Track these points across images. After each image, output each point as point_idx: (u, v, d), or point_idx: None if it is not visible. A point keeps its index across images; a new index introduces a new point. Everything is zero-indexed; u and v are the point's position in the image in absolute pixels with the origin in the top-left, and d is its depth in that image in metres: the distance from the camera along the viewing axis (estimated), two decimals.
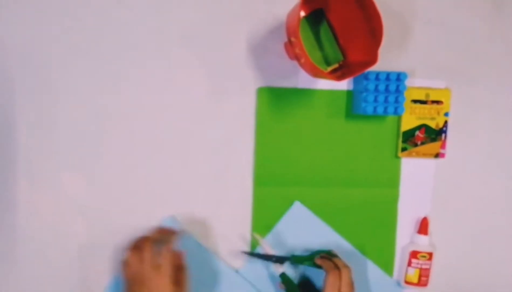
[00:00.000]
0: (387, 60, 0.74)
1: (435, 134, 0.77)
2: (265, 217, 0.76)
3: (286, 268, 0.76)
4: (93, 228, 0.73)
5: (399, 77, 0.73)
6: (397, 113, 0.73)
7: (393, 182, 0.79)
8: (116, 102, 0.73)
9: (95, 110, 0.72)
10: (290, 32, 0.67)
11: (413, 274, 0.78)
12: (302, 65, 0.68)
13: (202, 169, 0.75)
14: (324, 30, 0.74)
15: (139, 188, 0.74)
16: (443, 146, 0.78)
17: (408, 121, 0.77)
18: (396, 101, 0.73)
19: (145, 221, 0.74)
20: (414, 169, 0.79)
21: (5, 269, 0.73)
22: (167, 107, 0.73)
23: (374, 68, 0.67)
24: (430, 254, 0.78)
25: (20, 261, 0.73)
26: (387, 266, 0.79)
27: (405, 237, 0.80)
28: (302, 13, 0.72)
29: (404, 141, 0.77)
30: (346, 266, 0.71)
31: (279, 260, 0.75)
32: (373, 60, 0.66)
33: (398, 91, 0.73)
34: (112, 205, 0.73)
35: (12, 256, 0.73)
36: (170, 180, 0.74)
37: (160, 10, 0.72)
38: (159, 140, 0.74)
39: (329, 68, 0.74)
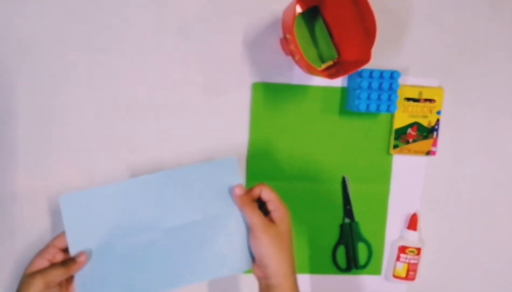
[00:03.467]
0: (381, 58, 0.74)
1: (427, 132, 0.79)
2: None
3: None
4: None
5: (393, 75, 0.74)
6: (390, 111, 0.74)
7: (385, 178, 0.80)
8: (112, 96, 0.73)
9: (92, 103, 0.73)
10: (286, 29, 0.68)
11: (401, 268, 0.80)
12: (296, 62, 0.69)
13: (197, 162, 0.76)
14: (319, 28, 0.75)
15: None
16: (434, 144, 0.79)
17: (401, 119, 0.78)
18: (389, 99, 0.74)
19: None
20: (405, 166, 0.80)
21: (4, 258, 0.74)
22: (163, 101, 0.74)
23: (368, 66, 0.67)
24: (419, 250, 0.80)
25: (19, 251, 0.74)
26: (376, 260, 0.81)
27: (394, 232, 0.81)
28: (299, 10, 0.73)
29: (396, 138, 0.78)
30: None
31: None
32: (366, 59, 0.67)
33: (391, 89, 0.74)
34: None
35: (11, 246, 0.74)
36: None
37: (156, 5, 0.72)
38: (155, 133, 0.75)
39: (324, 65, 0.75)
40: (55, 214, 0.74)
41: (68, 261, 0.61)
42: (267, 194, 0.65)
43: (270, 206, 0.65)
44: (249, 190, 0.66)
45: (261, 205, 0.65)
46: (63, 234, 0.63)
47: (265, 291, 0.63)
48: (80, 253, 0.62)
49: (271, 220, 0.64)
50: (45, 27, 0.71)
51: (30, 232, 0.74)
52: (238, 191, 0.65)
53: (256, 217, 0.63)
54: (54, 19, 0.71)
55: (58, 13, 0.71)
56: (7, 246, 0.74)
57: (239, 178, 0.67)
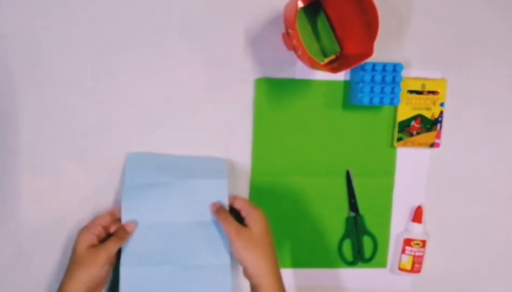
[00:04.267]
0: (383, 51, 0.74)
1: (431, 124, 0.78)
2: (262, 207, 0.77)
3: None
4: (94, 215, 0.74)
5: (395, 68, 0.74)
6: (393, 104, 0.74)
7: (389, 171, 0.80)
8: (115, 94, 0.73)
9: (95, 101, 0.73)
10: (288, 24, 0.68)
11: (406, 261, 0.80)
12: (299, 56, 0.69)
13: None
14: (321, 22, 0.75)
15: None
16: (438, 136, 0.79)
17: (404, 112, 0.78)
18: (392, 92, 0.74)
19: None
20: (409, 159, 0.80)
21: (9, 256, 0.74)
22: (166, 98, 0.74)
23: (371, 59, 0.67)
24: (424, 242, 0.80)
25: (24, 248, 0.75)
26: (381, 253, 0.81)
27: (399, 225, 0.82)
28: (300, 4, 0.73)
29: (400, 131, 0.78)
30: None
31: None
32: (369, 52, 0.67)
33: (394, 82, 0.74)
34: (113, 193, 0.75)
35: (15, 244, 0.74)
36: None
37: (158, 2, 0.72)
38: (159, 131, 0.75)
39: (326, 60, 0.75)
40: (59, 214, 0.75)
41: (119, 230, 0.69)
42: (237, 203, 0.71)
43: (243, 213, 0.70)
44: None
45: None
46: (104, 214, 0.71)
47: (252, 291, 0.68)
48: (129, 223, 0.69)
49: (245, 225, 0.69)
50: (48, 27, 0.71)
51: (35, 231, 0.74)
52: (214, 207, 0.71)
53: (228, 223, 0.68)
54: (57, 20, 0.71)
55: (61, 13, 0.71)
56: (12, 245, 0.74)
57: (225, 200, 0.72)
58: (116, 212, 0.71)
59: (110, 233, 0.70)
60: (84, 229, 0.69)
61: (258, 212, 0.69)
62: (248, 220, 0.69)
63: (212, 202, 0.71)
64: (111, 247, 0.67)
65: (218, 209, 0.71)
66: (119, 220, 0.71)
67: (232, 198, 0.72)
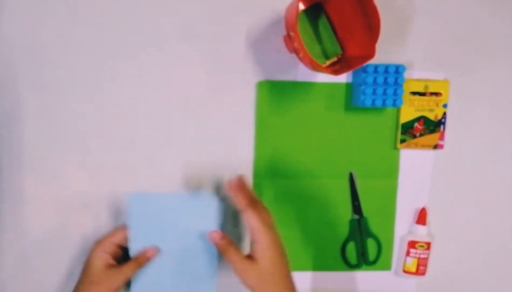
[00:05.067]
0: (385, 52, 0.74)
1: (434, 126, 0.78)
2: None
3: None
4: (97, 220, 0.75)
5: (398, 70, 0.74)
6: (396, 105, 0.74)
7: (392, 173, 0.80)
8: (117, 97, 0.74)
9: (97, 105, 0.73)
10: (289, 26, 0.68)
11: (411, 263, 0.80)
12: (301, 59, 0.69)
13: (203, 162, 0.76)
14: (323, 24, 0.74)
15: (141, 181, 0.75)
16: (441, 137, 0.79)
17: (407, 113, 0.77)
18: (395, 94, 0.74)
19: None
20: (413, 160, 0.79)
21: (12, 260, 0.75)
22: (168, 101, 0.74)
23: (373, 61, 0.67)
24: (428, 244, 0.79)
25: (27, 252, 0.75)
26: (385, 255, 0.81)
27: (403, 227, 0.81)
28: (302, 7, 0.73)
29: (403, 133, 0.78)
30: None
31: None
32: (370, 54, 0.66)
33: (397, 84, 0.74)
34: (116, 197, 0.75)
35: (18, 248, 0.75)
36: (170, 173, 0.76)
37: (159, 6, 0.73)
38: (160, 133, 0.75)
39: (328, 62, 0.75)
40: (63, 219, 0.75)
41: (140, 256, 0.69)
42: (249, 220, 0.64)
43: (252, 237, 0.64)
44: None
45: None
46: (117, 231, 0.70)
47: None
48: (151, 249, 0.69)
49: (253, 257, 0.63)
50: (50, 31, 0.71)
51: (38, 237, 0.75)
52: (215, 237, 0.67)
53: (234, 262, 0.64)
54: (57, 24, 0.72)
55: (63, 16, 0.71)
56: (16, 249, 0.75)
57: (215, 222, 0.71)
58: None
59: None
60: (99, 247, 0.68)
61: (268, 238, 0.62)
62: (256, 249, 0.63)
63: (210, 230, 0.69)
64: (129, 272, 0.67)
65: (220, 242, 0.67)
66: None
67: (245, 211, 0.65)
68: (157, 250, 0.69)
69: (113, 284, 0.66)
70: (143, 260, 0.69)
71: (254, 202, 0.65)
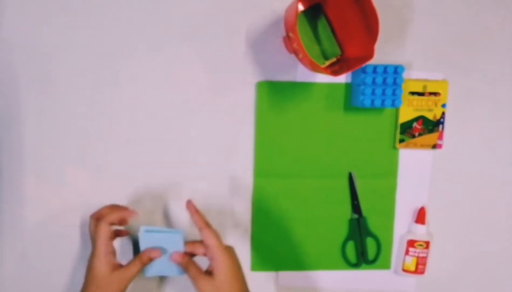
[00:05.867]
0: (384, 53, 0.74)
1: (433, 125, 0.78)
2: (265, 209, 0.78)
3: None
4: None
5: (397, 70, 0.74)
6: (395, 105, 0.74)
7: (391, 173, 0.80)
8: (118, 98, 0.74)
9: (98, 105, 0.74)
10: (288, 27, 0.68)
11: (410, 262, 0.80)
12: (300, 59, 0.70)
13: (203, 162, 0.76)
14: (322, 25, 0.75)
15: (141, 181, 0.76)
16: (440, 137, 0.79)
17: (406, 113, 0.78)
18: (394, 94, 0.74)
19: (148, 213, 0.76)
20: (412, 160, 0.80)
21: (13, 260, 0.75)
22: (168, 102, 0.75)
23: (372, 61, 0.67)
24: (427, 243, 0.80)
25: (27, 252, 0.75)
26: (385, 254, 0.81)
27: (403, 226, 0.82)
28: (301, 8, 0.73)
29: (402, 132, 0.78)
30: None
31: None
32: (369, 55, 0.67)
33: (396, 84, 0.74)
34: (116, 197, 0.75)
35: (20, 248, 0.75)
36: (171, 173, 0.76)
37: (159, 6, 0.73)
38: (161, 134, 0.75)
39: (327, 63, 0.75)
40: (64, 219, 0.75)
41: (143, 255, 0.69)
42: (207, 238, 0.68)
43: (208, 254, 0.68)
44: (192, 242, 0.71)
45: None
46: (106, 228, 0.68)
47: None
48: (155, 250, 0.70)
49: (211, 273, 0.67)
50: (49, 33, 0.72)
51: (39, 237, 0.75)
52: (176, 257, 0.69)
53: (194, 278, 0.67)
54: (58, 25, 0.72)
55: (63, 17, 0.72)
56: (17, 250, 0.75)
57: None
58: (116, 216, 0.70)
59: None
60: (99, 253, 0.67)
61: (223, 256, 0.67)
62: (212, 266, 0.67)
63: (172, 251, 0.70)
64: (133, 271, 0.68)
65: (181, 260, 0.69)
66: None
67: (191, 244, 0.70)
68: (161, 252, 0.70)
69: (121, 285, 0.66)
70: (146, 260, 0.69)
71: (208, 223, 0.70)
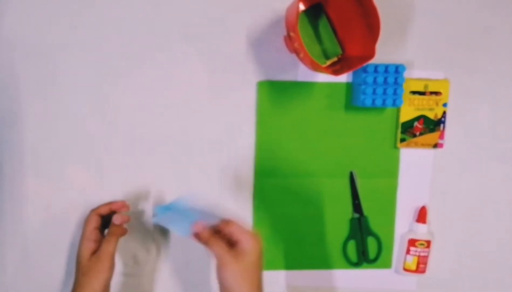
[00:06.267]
0: (385, 52, 0.74)
1: (434, 125, 0.78)
2: (266, 209, 0.78)
3: None
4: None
5: (398, 69, 0.74)
6: (396, 105, 0.74)
7: (392, 172, 0.80)
8: (119, 97, 0.74)
9: (99, 105, 0.74)
10: (289, 27, 0.68)
11: (411, 261, 0.80)
12: (301, 59, 0.70)
13: (204, 161, 0.76)
14: (323, 24, 0.75)
15: (142, 180, 0.76)
16: (441, 136, 0.79)
17: (407, 113, 0.78)
18: (395, 93, 0.74)
19: (150, 212, 0.76)
20: (413, 159, 0.80)
21: (15, 260, 0.75)
22: (169, 101, 0.75)
23: (373, 60, 0.67)
24: (428, 242, 0.80)
25: (27, 252, 0.75)
26: (386, 253, 0.81)
27: (404, 225, 0.82)
28: (302, 7, 0.73)
29: (403, 132, 0.78)
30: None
31: None
32: (370, 55, 0.67)
33: (397, 83, 0.74)
34: (117, 196, 0.75)
35: (21, 247, 0.75)
36: (172, 172, 0.76)
37: (160, 4, 0.73)
38: (161, 133, 0.75)
39: (328, 62, 0.75)
40: (65, 218, 0.75)
41: (111, 227, 0.70)
42: (232, 227, 0.64)
43: (235, 236, 0.63)
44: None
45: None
46: (92, 216, 0.71)
47: None
48: (117, 216, 0.70)
49: (238, 252, 0.62)
50: (51, 32, 0.72)
51: (40, 235, 0.75)
52: (197, 229, 0.65)
53: (218, 251, 0.62)
54: (60, 24, 0.72)
55: (64, 18, 0.72)
56: (17, 250, 0.75)
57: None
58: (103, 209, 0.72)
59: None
60: (83, 239, 0.69)
61: (255, 239, 0.63)
62: (242, 246, 0.62)
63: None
64: (109, 247, 0.67)
65: (203, 233, 0.64)
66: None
67: (224, 222, 0.66)
68: (127, 205, 0.72)
69: (102, 267, 0.66)
70: (115, 230, 0.69)
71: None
